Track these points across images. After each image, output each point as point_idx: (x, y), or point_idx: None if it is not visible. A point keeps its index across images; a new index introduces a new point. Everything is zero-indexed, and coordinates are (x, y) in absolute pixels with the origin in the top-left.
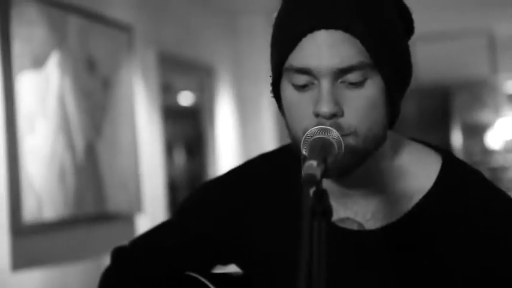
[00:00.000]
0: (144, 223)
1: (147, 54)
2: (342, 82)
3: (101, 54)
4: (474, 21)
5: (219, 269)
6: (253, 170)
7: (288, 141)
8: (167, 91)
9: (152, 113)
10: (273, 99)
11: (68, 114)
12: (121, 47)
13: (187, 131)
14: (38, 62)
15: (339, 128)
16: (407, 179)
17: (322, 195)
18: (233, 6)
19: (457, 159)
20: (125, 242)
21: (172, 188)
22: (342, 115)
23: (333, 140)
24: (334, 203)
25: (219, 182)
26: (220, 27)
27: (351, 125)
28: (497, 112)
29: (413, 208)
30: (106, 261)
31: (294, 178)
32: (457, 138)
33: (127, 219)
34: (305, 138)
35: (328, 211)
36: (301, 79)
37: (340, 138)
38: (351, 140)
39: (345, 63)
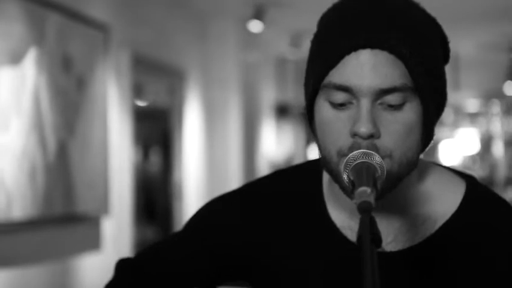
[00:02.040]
0: (109, 225)
1: (122, 55)
2: (380, 104)
3: (77, 53)
4: None
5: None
6: (267, 187)
7: (254, 149)
8: (138, 92)
9: (123, 113)
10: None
11: (41, 112)
12: (97, 46)
13: (157, 132)
14: (15, 59)
15: (375, 149)
16: (431, 203)
17: (371, 222)
18: (205, 12)
19: (481, 185)
20: (89, 244)
21: (137, 190)
22: (379, 137)
23: (376, 165)
24: (354, 224)
25: (230, 199)
26: (192, 31)
27: (386, 147)
28: (456, 130)
29: (436, 232)
30: (71, 263)
31: (310, 197)
32: None
33: (93, 220)
34: (347, 161)
35: (377, 238)
36: (340, 97)
37: (383, 163)
38: (386, 164)
39: (387, 84)
